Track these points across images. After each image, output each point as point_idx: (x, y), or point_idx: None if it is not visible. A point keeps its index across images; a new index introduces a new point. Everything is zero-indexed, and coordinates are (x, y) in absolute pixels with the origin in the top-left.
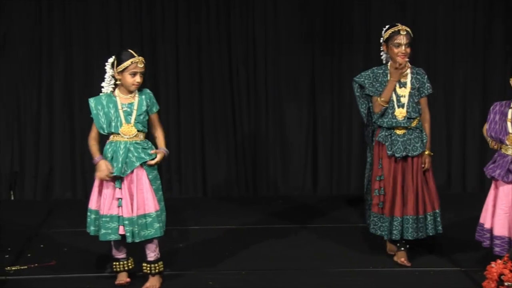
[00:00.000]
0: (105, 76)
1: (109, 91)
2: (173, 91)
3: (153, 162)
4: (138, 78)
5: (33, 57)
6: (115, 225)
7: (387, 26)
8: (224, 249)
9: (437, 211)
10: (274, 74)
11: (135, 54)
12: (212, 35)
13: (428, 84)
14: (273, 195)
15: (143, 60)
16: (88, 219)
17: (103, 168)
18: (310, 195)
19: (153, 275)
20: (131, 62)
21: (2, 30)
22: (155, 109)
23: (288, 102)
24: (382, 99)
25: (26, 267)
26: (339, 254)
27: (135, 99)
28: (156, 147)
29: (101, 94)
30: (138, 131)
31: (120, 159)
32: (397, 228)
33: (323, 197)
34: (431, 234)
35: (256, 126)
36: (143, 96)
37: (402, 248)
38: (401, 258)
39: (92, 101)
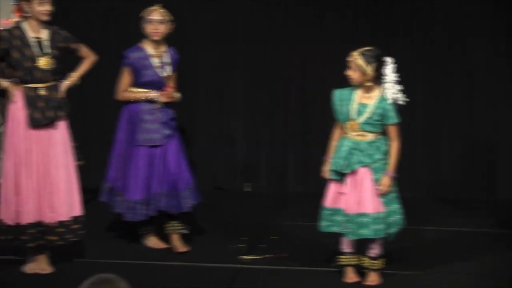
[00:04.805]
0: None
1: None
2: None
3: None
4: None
5: (269, 53)
6: (339, 218)
7: None
8: (454, 252)
9: None
10: None
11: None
12: None
13: None
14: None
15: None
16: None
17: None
18: None
19: (373, 270)
20: None
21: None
22: (386, 121)
23: None
24: None
25: (261, 257)
26: None
27: (373, 101)
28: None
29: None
30: (363, 130)
31: (341, 155)
32: None
33: None
34: None
35: (493, 124)
36: (382, 103)
37: None
38: None
39: (335, 94)
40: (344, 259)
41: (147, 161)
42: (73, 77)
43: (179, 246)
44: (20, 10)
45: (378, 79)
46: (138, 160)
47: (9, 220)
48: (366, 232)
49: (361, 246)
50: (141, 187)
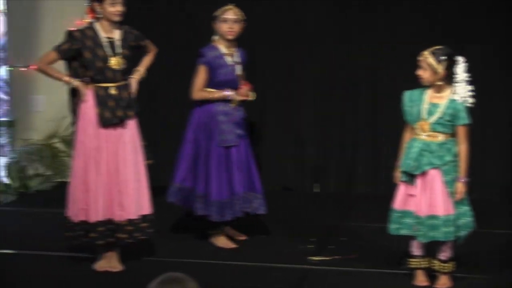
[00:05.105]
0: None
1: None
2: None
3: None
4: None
5: (341, 53)
6: (408, 220)
7: None
8: None
9: None
10: None
11: None
12: None
13: None
14: None
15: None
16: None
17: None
18: None
19: (443, 274)
20: None
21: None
22: (456, 121)
23: None
24: None
25: (329, 258)
26: None
27: (444, 100)
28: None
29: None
30: (434, 131)
31: (411, 157)
32: None
33: None
34: None
35: None
36: (453, 103)
37: None
38: None
39: (405, 95)
40: (414, 262)
41: (226, 161)
42: (140, 72)
43: (239, 235)
44: (92, 11)
45: (449, 78)
46: (218, 161)
47: (76, 218)
48: (437, 235)
49: (430, 248)
50: (225, 187)
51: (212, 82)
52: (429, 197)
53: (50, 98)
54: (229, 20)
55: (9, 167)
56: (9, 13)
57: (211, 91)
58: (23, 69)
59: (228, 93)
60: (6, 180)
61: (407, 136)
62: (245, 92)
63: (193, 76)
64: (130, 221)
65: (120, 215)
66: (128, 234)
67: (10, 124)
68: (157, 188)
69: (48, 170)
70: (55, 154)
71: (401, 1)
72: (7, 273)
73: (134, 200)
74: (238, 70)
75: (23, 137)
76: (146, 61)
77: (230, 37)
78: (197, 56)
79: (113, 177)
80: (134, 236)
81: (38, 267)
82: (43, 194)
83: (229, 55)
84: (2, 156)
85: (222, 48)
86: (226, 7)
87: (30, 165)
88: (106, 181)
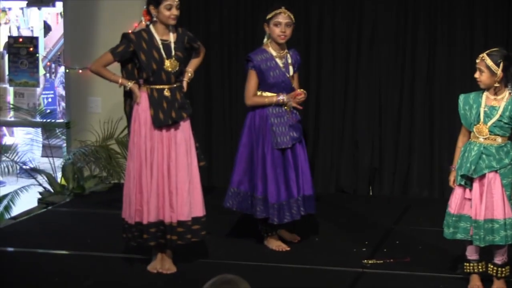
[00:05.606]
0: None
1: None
2: None
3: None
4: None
5: (397, 55)
6: (465, 225)
7: None
8: None
9: None
10: None
11: None
12: None
13: None
14: None
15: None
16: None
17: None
18: None
19: (498, 278)
20: None
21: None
22: None
23: None
24: None
25: (382, 261)
26: None
27: (501, 103)
28: None
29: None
30: (493, 134)
31: (470, 160)
32: None
33: None
34: None
35: None
36: (510, 106)
37: None
38: None
39: (461, 99)
40: (469, 266)
41: (282, 164)
42: (190, 73)
43: (293, 237)
44: (147, 14)
45: (506, 80)
46: (274, 163)
47: (132, 219)
48: (496, 239)
49: (485, 253)
50: (283, 190)
51: (264, 84)
52: (487, 201)
53: (106, 99)
54: (282, 23)
55: (65, 168)
56: (66, 15)
57: (263, 96)
58: (79, 70)
59: (279, 98)
60: (61, 181)
61: (462, 139)
62: (299, 101)
63: (245, 81)
64: (181, 223)
65: (171, 217)
66: (179, 236)
67: (66, 126)
68: (212, 190)
69: (104, 171)
70: (110, 155)
71: (458, 5)
72: (62, 273)
73: (186, 202)
74: (290, 71)
75: (79, 138)
76: (195, 63)
77: (281, 41)
78: (246, 61)
79: (165, 178)
80: (185, 237)
81: (92, 267)
82: (98, 195)
83: (279, 57)
84: (58, 157)
85: (272, 50)
86: (278, 10)
87: (86, 166)
88: (159, 182)
